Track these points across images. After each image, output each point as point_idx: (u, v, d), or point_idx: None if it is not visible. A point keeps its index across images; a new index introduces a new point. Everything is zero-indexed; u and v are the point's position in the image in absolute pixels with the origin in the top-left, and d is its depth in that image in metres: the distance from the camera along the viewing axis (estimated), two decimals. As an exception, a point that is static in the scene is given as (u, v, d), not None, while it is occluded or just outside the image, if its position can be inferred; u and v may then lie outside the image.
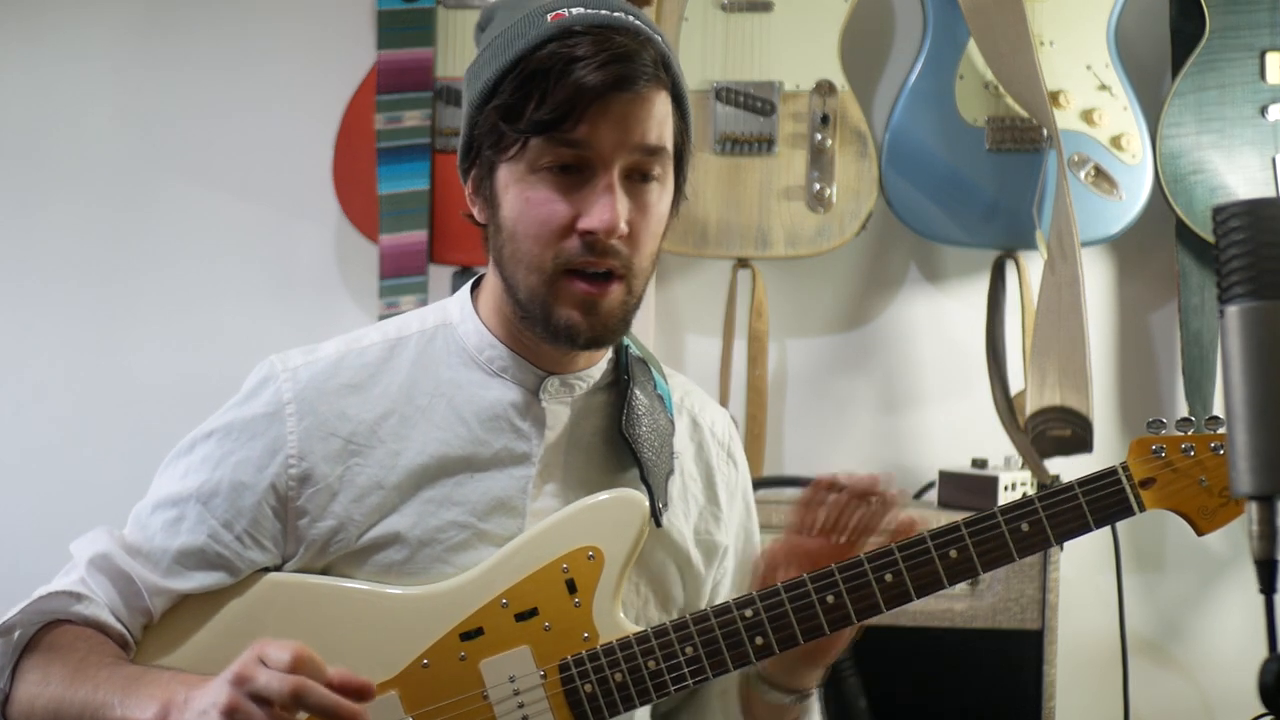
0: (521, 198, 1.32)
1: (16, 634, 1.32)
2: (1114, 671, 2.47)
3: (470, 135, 1.36)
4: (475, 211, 1.40)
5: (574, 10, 1.31)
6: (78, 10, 2.75)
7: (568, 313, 1.33)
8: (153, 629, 1.38)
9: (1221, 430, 1.31)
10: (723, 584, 1.53)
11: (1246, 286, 1.00)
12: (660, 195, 1.36)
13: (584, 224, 1.30)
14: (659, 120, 1.33)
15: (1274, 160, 2.39)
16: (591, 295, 1.32)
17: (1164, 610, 2.63)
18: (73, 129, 2.75)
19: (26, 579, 1.42)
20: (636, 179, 1.33)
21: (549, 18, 1.31)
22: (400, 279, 2.51)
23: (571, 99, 1.28)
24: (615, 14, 1.32)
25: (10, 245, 2.75)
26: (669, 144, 1.35)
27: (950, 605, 2.20)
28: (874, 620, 1.36)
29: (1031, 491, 2.33)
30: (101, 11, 2.75)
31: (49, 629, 1.33)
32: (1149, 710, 2.57)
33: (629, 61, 1.29)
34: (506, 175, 1.34)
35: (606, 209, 1.29)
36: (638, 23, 1.33)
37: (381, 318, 2.38)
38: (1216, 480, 1.31)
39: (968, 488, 2.36)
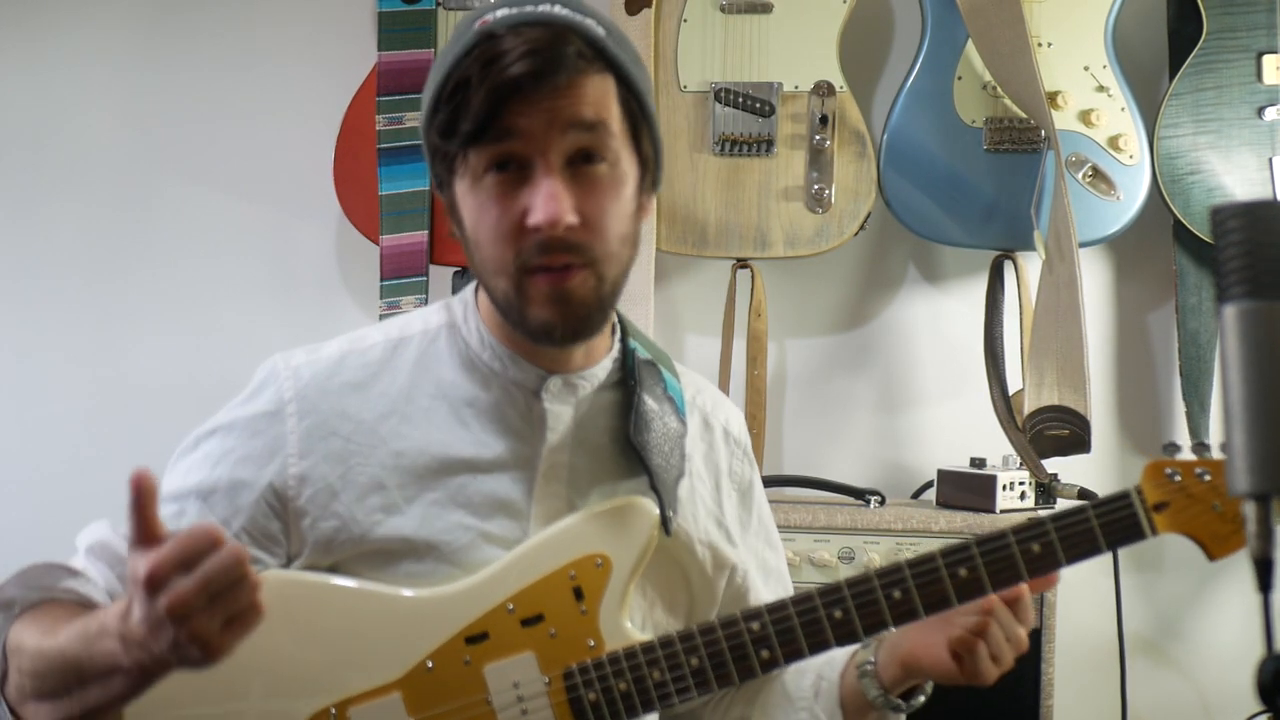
0: (475, 207, 1.31)
1: (16, 609, 1.29)
2: (1112, 670, 2.48)
3: (430, 159, 1.35)
4: (454, 228, 1.38)
5: (499, 13, 1.29)
6: (79, 11, 2.75)
7: (539, 310, 1.30)
8: None
9: None
10: (749, 586, 1.51)
11: (1244, 287, 1.01)
12: (613, 174, 1.31)
13: (530, 221, 1.27)
14: (594, 100, 1.28)
15: (1271, 161, 2.40)
16: (557, 288, 1.29)
17: (1162, 609, 2.63)
18: (74, 130, 2.75)
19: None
20: (580, 162, 1.29)
21: (476, 25, 1.29)
22: (401, 279, 2.51)
23: (491, 100, 1.25)
24: (539, 8, 1.28)
25: (12, 245, 2.76)
26: (612, 120, 1.30)
27: (949, 604, 2.20)
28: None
29: (1030, 490, 2.34)
30: (103, 13, 2.75)
31: (37, 608, 1.29)
32: (1147, 709, 2.58)
33: (545, 52, 1.25)
34: (461, 189, 1.32)
35: (550, 202, 1.26)
36: (564, 11, 1.29)
37: (382, 318, 2.38)
38: (1230, 506, 1.30)
39: (966, 487, 2.37)
